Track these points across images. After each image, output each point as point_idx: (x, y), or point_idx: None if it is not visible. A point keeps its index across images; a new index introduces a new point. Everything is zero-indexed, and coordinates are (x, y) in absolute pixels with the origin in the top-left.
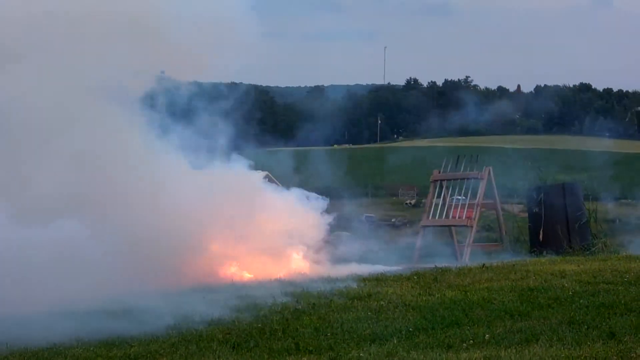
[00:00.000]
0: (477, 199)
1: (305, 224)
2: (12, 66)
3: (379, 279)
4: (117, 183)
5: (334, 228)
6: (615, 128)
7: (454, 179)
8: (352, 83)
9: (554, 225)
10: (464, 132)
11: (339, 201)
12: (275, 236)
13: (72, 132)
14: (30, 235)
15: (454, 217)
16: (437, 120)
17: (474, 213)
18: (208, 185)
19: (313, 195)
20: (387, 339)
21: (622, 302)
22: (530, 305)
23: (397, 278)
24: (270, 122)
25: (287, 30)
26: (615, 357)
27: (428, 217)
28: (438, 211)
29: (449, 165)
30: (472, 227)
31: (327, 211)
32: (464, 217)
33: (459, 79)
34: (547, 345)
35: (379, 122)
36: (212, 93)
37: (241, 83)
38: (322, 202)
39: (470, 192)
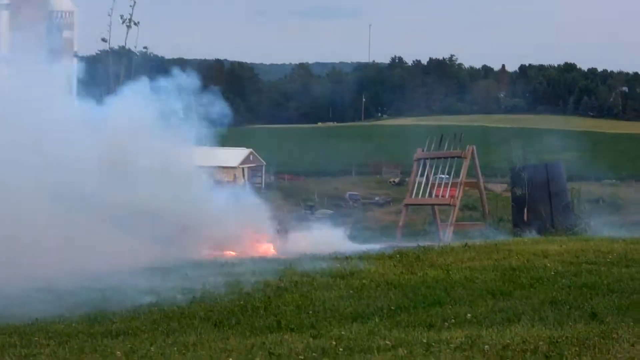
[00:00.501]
0: (460, 178)
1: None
2: None
3: (361, 257)
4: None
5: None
6: (600, 108)
7: (438, 158)
8: (337, 61)
9: (537, 205)
10: (448, 110)
11: (323, 179)
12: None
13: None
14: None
15: (437, 195)
16: (421, 99)
17: (457, 192)
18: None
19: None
20: (368, 318)
21: (605, 282)
22: (512, 285)
23: (380, 256)
24: (254, 99)
25: (272, 8)
26: (597, 338)
27: (411, 195)
28: (421, 190)
29: (433, 144)
30: (455, 206)
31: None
32: (447, 196)
33: (443, 58)
34: (529, 325)
35: (364, 100)
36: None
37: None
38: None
39: (453, 170)
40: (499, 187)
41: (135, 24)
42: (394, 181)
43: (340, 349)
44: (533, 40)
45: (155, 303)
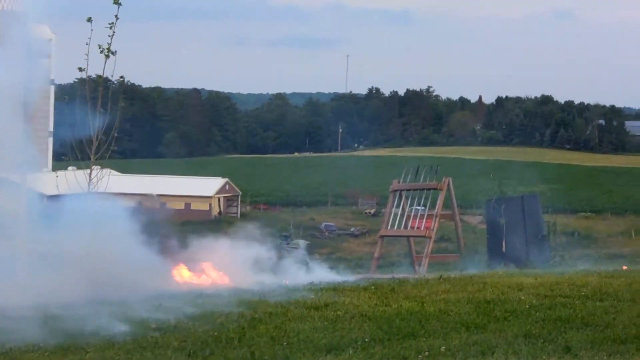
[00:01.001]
0: (436, 209)
1: None
2: None
3: (336, 289)
4: None
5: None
6: (576, 140)
7: (414, 189)
8: (314, 91)
9: (512, 237)
10: (425, 142)
11: (299, 209)
12: None
13: None
14: None
15: (412, 227)
16: (398, 130)
17: (432, 224)
18: None
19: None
20: (342, 349)
21: (579, 316)
22: (487, 318)
23: (355, 288)
24: (231, 128)
25: (250, 38)
26: None
27: (387, 227)
28: (397, 221)
29: (409, 176)
30: (430, 238)
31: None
32: (422, 228)
33: (420, 89)
34: (503, 358)
35: (340, 130)
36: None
37: (203, 89)
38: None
39: (429, 202)
40: (475, 219)
41: (112, 53)
42: (369, 212)
43: None
44: (510, 72)
45: (129, 332)
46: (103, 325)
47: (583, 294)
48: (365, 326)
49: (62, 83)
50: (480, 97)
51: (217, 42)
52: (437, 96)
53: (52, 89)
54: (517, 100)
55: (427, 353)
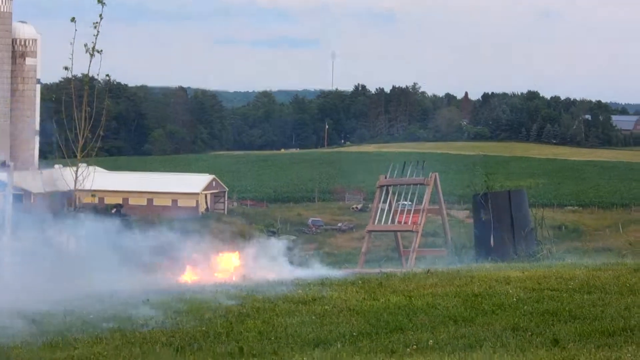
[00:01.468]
0: (423, 204)
1: None
2: None
3: (323, 284)
4: None
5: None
6: (563, 135)
7: (400, 185)
8: (300, 89)
9: (499, 231)
10: (411, 137)
11: (286, 205)
12: None
13: None
14: None
15: (399, 222)
16: (384, 126)
17: (419, 218)
18: None
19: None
20: (330, 344)
21: (567, 309)
22: (474, 311)
23: (342, 282)
24: (218, 126)
25: (236, 37)
26: None
27: (374, 222)
28: (384, 216)
29: (395, 171)
30: (417, 232)
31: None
32: (409, 223)
33: (406, 86)
34: (491, 351)
35: (327, 127)
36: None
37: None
38: None
39: (416, 197)
40: (462, 214)
41: (98, 52)
42: (356, 207)
43: None
44: (496, 68)
45: (117, 328)
46: (90, 321)
47: (571, 287)
48: (353, 320)
49: (48, 82)
50: (466, 94)
51: (202, 41)
52: (423, 92)
53: (38, 88)
54: (504, 96)
55: (414, 347)
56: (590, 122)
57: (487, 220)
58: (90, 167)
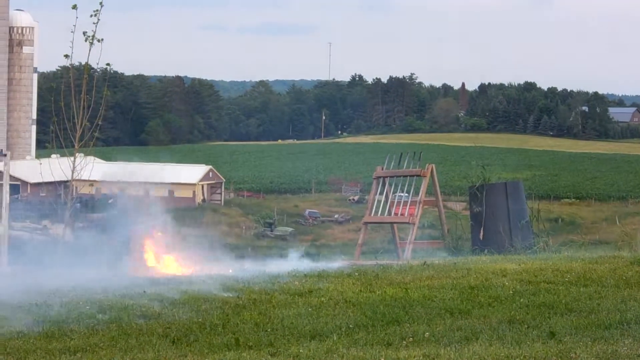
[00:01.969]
0: (420, 196)
1: None
2: None
3: (320, 275)
4: None
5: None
6: (559, 127)
7: (397, 176)
8: (297, 78)
9: (496, 223)
10: (408, 128)
11: (282, 196)
12: None
13: None
14: None
15: (396, 214)
16: (381, 117)
17: (416, 210)
18: None
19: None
20: (327, 336)
21: (563, 302)
22: (471, 304)
23: (339, 274)
24: (214, 115)
25: (231, 25)
26: (554, 357)
27: (370, 213)
28: (380, 208)
29: (392, 162)
30: (414, 224)
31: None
32: (406, 214)
33: (403, 76)
34: (487, 344)
35: (324, 117)
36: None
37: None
38: None
39: (413, 189)
40: (458, 206)
41: (98, 40)
42: (353, 199)
43: None
44: (493, 59)
45: (113, 319)
46: (87, 312)
47: (567, 279)
48: (349, 312)
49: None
50: (463, 84)
51: (199, 30)
52: (420, 83)
53: (35, 77)
54: (500, 87)
55: (411, 339)
56: (587, 113)
57: (478, 213)
58: (88, 157)
